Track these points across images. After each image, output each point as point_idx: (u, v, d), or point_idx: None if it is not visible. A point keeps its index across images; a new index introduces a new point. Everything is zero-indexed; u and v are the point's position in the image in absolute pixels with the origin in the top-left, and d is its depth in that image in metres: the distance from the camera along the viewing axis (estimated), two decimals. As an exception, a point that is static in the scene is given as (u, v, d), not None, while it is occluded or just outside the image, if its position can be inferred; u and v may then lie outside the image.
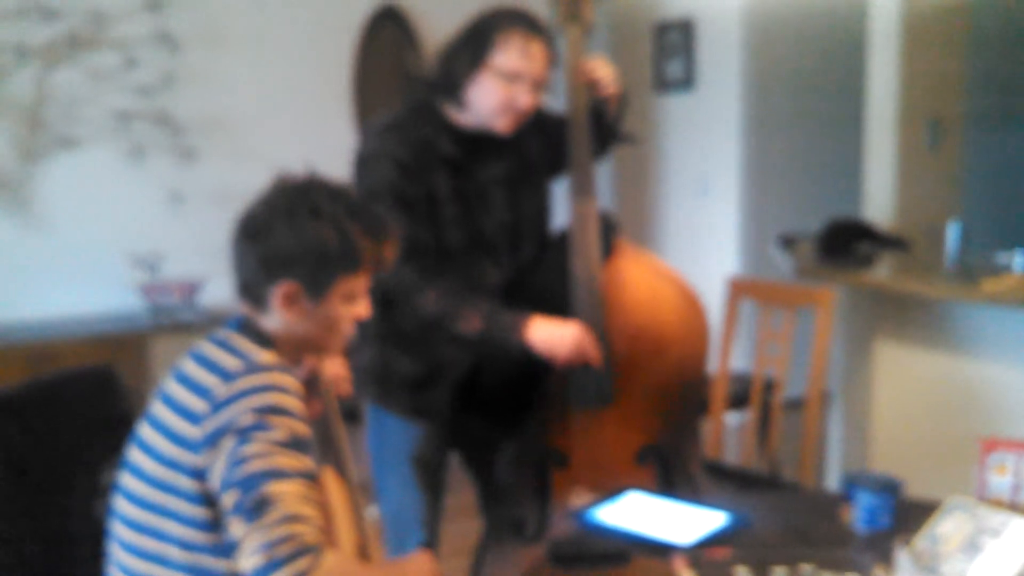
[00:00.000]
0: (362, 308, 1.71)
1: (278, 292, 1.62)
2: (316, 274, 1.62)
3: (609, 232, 2.37)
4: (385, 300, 2.21)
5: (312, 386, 1.83)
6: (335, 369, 1.93)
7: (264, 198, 1.67)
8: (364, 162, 2.27)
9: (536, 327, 2.21)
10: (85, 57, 4.03)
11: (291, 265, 1.61)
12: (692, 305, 2.40)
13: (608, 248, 2.35)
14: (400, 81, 4.78)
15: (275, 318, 1.65)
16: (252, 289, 1.66)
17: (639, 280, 2.38)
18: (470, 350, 2.29)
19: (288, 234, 1.61)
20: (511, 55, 2.19)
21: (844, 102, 4.92)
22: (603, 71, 2.37)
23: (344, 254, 1.63)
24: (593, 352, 2.26)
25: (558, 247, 2.37)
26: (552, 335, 2.22)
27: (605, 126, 2.44)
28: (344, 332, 1.72)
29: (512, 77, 2.20)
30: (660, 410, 2.38)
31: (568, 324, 2.24)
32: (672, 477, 2.37)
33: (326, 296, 1.65)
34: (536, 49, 2.21)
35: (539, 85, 2.24)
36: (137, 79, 4.12)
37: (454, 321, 2.20)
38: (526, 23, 2.22)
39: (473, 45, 2.21)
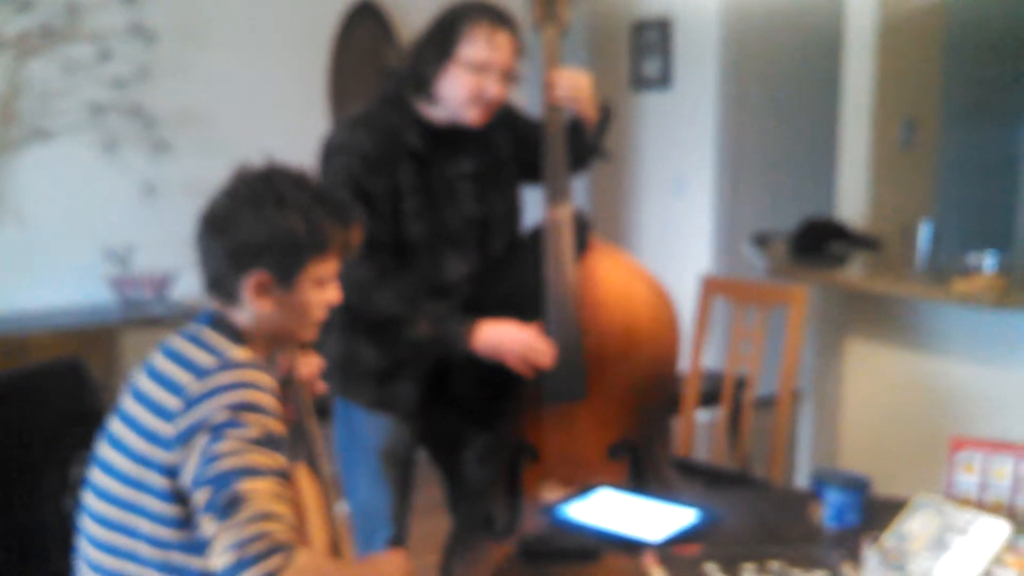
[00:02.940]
0: (332, 293, 1.72)
1: (249, 283, 1.62)
2: (286, 262, 1.62)
3: (582, 230, 2.37)
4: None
5: (287, 385, 1.83)
6: (310, 367, 1.93)
7: (226, 190, 1.65)
8: (329, 154, 2.28)
9: (482, 333, 2.22)
10: (59, 49, 3.99)
11: (260, 255, 1.61)
12: (663, 302, 2.41)
13: (581, 246, 2.36)
14: (377, 76, 4.76)
15: (247, 311, 1.65)
16: (221, 283, 1.65)
17: (612, 277, 2.39)
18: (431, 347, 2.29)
19: (255, 224, 1.60)
20: (478, 46, 2.20)
21: (820, 102, 4.95)
22: (566, 82, 2.30)
23: (312, 239, 1.63)
24: (540, 352, 2.25)
25: (530, 245, 2.37)
26: (491, 338, 2.22)
27: (583, 140, 2.41)
28: (316, 319, 1.71)
29: (480, 68, 2.21)
30: (633, 406, 2.39)
31: (512, 326, 2.24)
32: (644, 473, 2.38)
33: (297, 283, 1.64)
34: (502, 39, 2.22)
35: (507, 75, 2.25)
36: (111, 71, 4.07)
37: (405, 325, 2.21)
38: (491, 14, 2.23)
39: (440, 39, 2.22)
